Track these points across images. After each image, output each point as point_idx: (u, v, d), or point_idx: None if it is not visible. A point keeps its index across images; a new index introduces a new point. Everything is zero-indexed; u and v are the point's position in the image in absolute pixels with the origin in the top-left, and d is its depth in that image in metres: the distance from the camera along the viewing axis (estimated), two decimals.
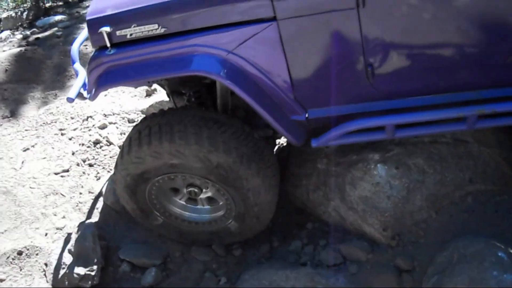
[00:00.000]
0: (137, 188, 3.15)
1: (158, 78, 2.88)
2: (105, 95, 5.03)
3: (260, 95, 2.73)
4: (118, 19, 2.62)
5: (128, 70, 2.70)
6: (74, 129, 4.65)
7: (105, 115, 4.80)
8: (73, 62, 3.07)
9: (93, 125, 4.68)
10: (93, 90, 2.81)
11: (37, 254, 3.48)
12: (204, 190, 3.18)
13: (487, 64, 2.67)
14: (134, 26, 2.60)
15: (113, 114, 4.81)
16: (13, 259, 3.42)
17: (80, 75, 2.89)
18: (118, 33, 2.62)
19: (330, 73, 2.71)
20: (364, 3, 2.43)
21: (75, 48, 3.15)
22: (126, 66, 2.70)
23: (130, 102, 5.02)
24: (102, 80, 2.74)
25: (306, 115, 2.88)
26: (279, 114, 2.82)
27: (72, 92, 2.75)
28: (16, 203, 3.86)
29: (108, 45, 2.64)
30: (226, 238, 3.37)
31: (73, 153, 4.37)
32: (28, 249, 3.48)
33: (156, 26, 2.58)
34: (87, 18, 2.69)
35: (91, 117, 4.76)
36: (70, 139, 4.56)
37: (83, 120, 4.73)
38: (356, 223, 3.22)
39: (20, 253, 3.44)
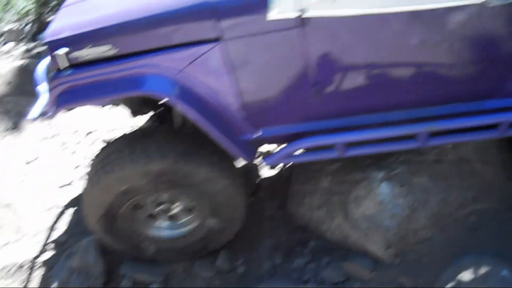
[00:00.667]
0: (112, 227, 3.17)
1: (111, 98, 2.97)
2: (110, 108, 5.03)
3: (209, 114, 2.74)
4: (74, 41, 2.64)
5: (84, 91, 2.72)
6: (78, 143, 4.65)
7: (110, 129, 4.80)
8: (37, 84, 3.08)
9: (97, 139, 4.68)
10: (53, 109, 2.82)
11: (38, 268, 3.47)
12: (175, 204, 3.20)
13: (438, 80, 2.68)
14: (89, 48, 2.62)
15: (118, 128, 4.80)
16: (14, 272, 3.41)
17: (42, 95, 2.92)
18: (75, 54, 2.65)
19: (279, 92, 2.74)
20: (304, 22, 2.46)
21: (40, 69, 3.13)
22: (83, 86, 2.71)
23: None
24: (61, 99, 2.76)
25: (257, 134, 2.90)
26: (229, 133, 2.83)
27: (33, 112, 2.82)
28: (18, 216, 3.85)
29: (66, 66, 2.66)
30: (217, 239, 3.33)
31: (76, 167, 4.37)
32: (29, 262, 3.47)
33: (109, 47, 2.62)
34: (46, 40, 2.70)
35: (95, 130, 4.76)
36: (73, 152, 4.56)
37: (87, 134, 4.74)
38: (359, 241, 3.21)
39: (21, 266, 3.43)
